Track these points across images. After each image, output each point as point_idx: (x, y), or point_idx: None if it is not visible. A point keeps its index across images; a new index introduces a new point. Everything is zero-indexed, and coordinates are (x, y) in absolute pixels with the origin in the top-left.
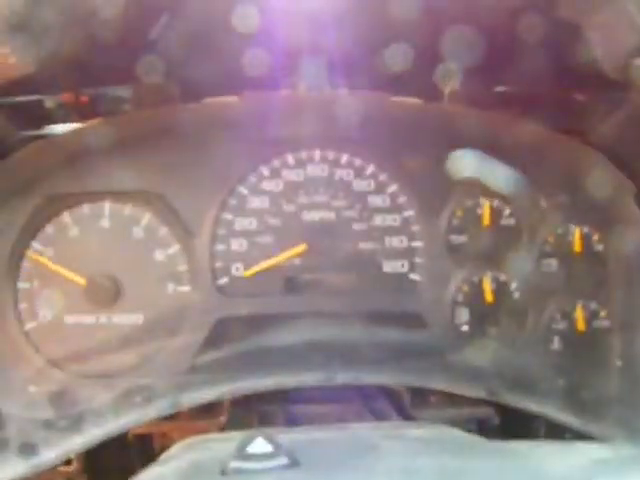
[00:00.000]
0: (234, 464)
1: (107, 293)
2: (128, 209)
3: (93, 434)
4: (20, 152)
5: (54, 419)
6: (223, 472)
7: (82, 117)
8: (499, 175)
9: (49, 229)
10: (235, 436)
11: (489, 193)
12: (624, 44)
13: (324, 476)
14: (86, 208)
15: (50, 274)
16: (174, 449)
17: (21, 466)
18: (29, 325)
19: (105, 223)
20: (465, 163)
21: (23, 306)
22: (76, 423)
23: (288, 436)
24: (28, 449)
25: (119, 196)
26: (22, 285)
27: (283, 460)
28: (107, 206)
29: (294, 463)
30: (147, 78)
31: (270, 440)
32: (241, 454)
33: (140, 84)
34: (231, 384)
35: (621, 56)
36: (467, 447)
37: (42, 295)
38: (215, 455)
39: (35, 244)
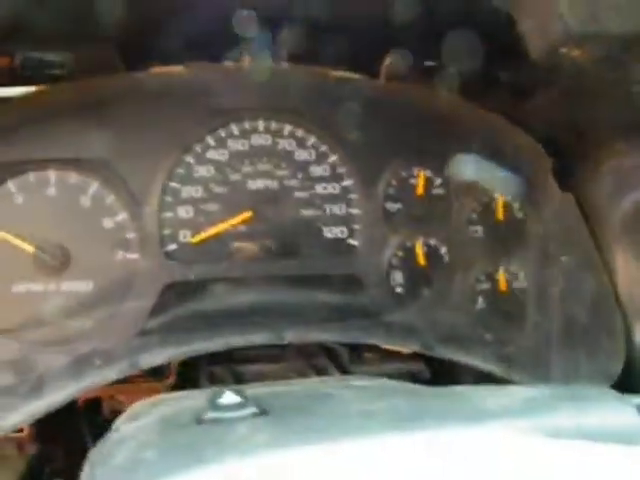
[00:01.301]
0: (209, 414)
1: (55, 261)
2: (74, 177)
3: (54, 398)
4: None
5: (14, 385)
6: (199, 422)
7: (15, 82)
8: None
9: None
10: (194, 394)
11: (423, 164)
12: (551, 34)
13: (293, 421)
14: (31, 176)
15: None
16: (136, 408)
17: None
18: None
19: (51, 191)
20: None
21: None
22: (37, 388)
23: (250, 390)
24: None
25: (65, 164)
26: None
27: (253, 409)
28: (53, 174)
29: (263, 412)
30: (91, 44)
31: (238, 393)
32: (213, 405)
33: (83, 50)
34: (182, 346)
35: (548, 44)
36: (411, 393)
37: None
38: (185, 409)
39: None
